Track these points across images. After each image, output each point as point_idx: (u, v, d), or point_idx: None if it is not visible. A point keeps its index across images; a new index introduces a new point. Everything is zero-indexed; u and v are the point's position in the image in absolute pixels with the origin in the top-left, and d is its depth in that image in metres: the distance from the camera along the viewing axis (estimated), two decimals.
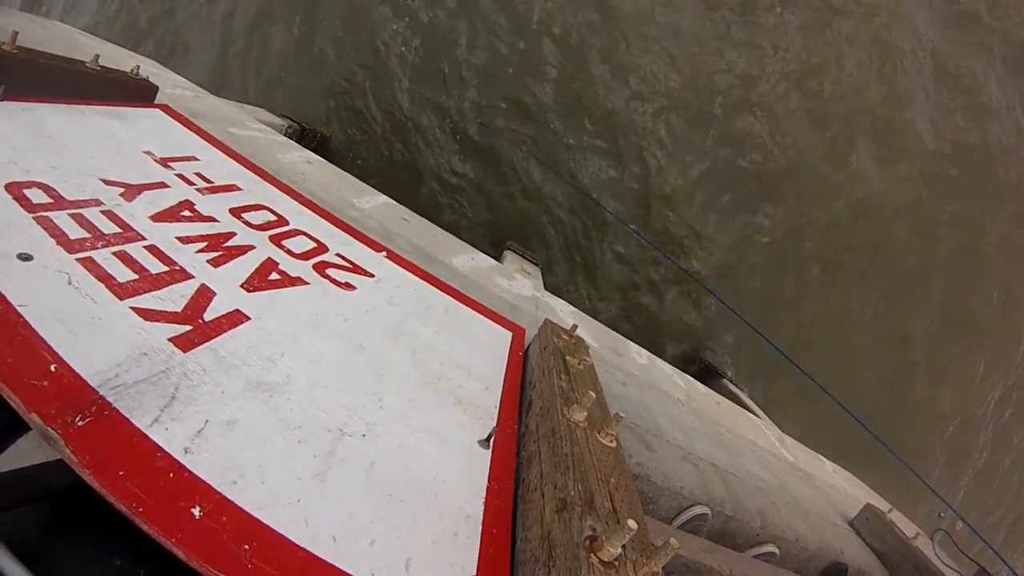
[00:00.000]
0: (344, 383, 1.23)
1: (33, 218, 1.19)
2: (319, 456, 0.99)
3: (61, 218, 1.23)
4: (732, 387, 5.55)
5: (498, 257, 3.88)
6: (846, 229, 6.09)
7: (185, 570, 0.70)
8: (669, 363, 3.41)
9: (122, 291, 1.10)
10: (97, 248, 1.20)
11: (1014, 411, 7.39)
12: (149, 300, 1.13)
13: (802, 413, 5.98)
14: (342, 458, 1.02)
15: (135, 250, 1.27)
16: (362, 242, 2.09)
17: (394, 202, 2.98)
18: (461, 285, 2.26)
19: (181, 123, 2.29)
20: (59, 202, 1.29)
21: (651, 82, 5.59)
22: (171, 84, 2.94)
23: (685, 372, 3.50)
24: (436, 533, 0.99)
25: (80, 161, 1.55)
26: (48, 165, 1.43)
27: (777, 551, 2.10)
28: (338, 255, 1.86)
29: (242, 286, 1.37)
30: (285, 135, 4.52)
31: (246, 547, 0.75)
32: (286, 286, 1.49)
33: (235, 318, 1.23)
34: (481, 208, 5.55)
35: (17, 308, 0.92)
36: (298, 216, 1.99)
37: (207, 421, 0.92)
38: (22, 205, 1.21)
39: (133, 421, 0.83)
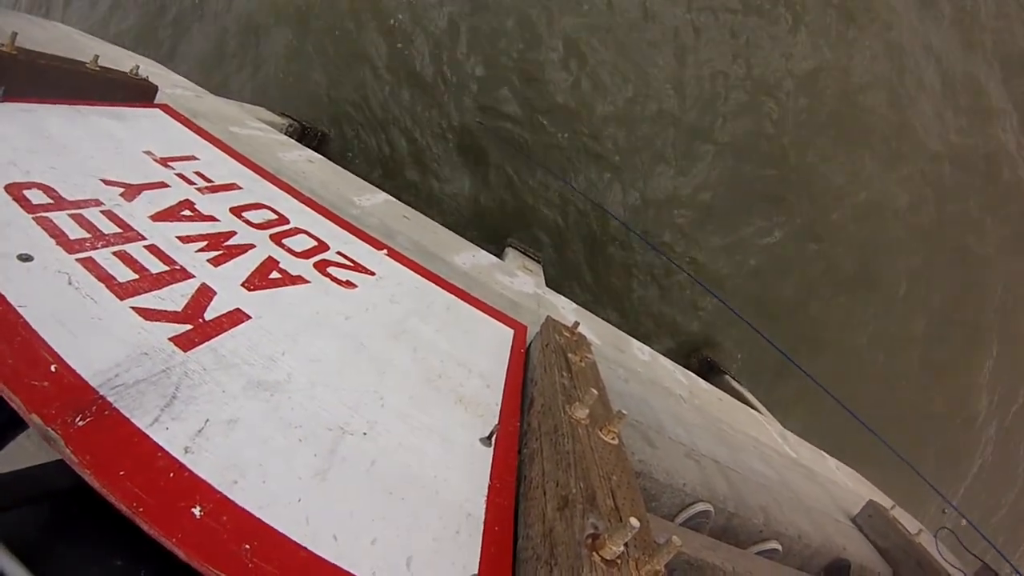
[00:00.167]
0: (345, 382, 1.23)
1: (33, 219, 1.19)
2: (320, 455, 0.99)
3: (61, 218, 1.23)
4: (734, 383, 5.52)
5: (499, 254, 3.86)
6: (847, 230, 6.07)
7: (186, 570, 0.70)
8: (670, 360, 3.40)
9: (122, 291, 1.10)
10: (97, 248, 1.20)
11: (1017, 410, 7.36)
12: (149, 300, 1.12)
13: (804, 414, 5.96)
14: (343, 457, 1.02)
15: (135, 250, 1.27)
16: (363, 240, 2.09)
17: (395, 200, 2.96)
18: (462, 282, 2.25)
19: (181, 123, 2.29)
20: (59, 202, 1.29)
21: (651, 83, 5.57)
22: (171, 84, 2.94)
23: (686, 368, 3.49)
24: (437, 531, 0.99)
25: (80, 161, 1.55)
26: (48, 166, 1.43)
27: (780, 548, 2.09)
28: (339, 253, 1.85)
29: (243, 285, 1.37)
30: (286, 134, 4.51)
31: (247, 547, 0.75)
32: (287, 285, 1.49)
33: (236, 317, 1.22)
34: (482, 205, 5.54)
35: (17, 309, 0.92)
36: (298, 215, 1.99)
37: (208, 420, 0.92)
38: (22, 206, 1.21)
39: (133, 421, 0.83)
